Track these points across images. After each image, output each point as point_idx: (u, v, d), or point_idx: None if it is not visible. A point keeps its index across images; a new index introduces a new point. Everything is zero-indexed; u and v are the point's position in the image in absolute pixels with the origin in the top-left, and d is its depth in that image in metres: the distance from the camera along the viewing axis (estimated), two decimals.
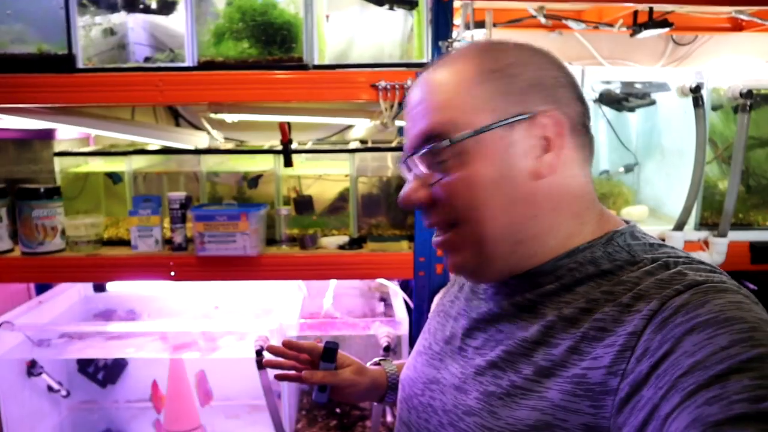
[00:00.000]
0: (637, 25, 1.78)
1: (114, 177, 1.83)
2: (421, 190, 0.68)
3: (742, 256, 1.69)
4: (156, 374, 1.85)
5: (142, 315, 2.00)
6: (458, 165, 0.65)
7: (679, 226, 1.67)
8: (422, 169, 0.68)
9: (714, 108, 1.70)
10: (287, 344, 0.96)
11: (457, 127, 0.65)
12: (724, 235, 1.66)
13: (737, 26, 2.05)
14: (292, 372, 0.96)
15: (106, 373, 1.97)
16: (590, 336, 0.59)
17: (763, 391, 0.43)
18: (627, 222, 0.71)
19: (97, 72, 1.54)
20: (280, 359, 0.97)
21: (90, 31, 1.59)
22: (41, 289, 1.99)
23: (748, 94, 1.57)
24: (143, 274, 1.63)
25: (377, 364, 1.04)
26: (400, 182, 1.74)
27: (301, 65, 1.54)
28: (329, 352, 0.94)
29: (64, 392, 1.84)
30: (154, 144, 1.83)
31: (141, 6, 1.64)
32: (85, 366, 1.94)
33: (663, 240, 1.65)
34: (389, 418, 1.70)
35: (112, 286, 2.06)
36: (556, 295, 0.65)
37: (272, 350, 0.96)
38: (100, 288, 2.05)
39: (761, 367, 0.45)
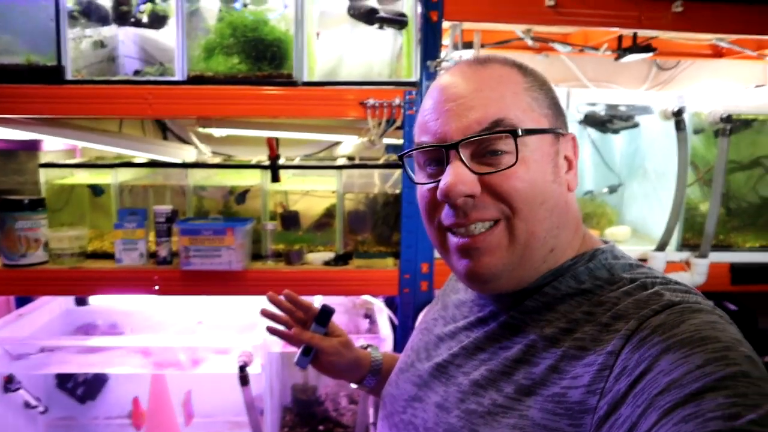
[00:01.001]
0: (621, 50, 1.82)
1: (95, 189, 1.82)
2: (469, 180, 0.64)
3: (723, 277, 1.71)
4: (137, 390, 1.82)
5: (125, 329, 1.98)
6: (518, 158, 0.63)
7: (661, 247, 1.69)
8: (468, 159, 0.64)
9: (695, 131, 1.74)
10: (287, 296, 0.95)
11: (521, 122, 0.64)
12: (705, 256, 1.68)
13: (718, 53, 2.10)
14: (283, 328, 0.95)
15: (85, 388, 1.94)
16: (570, 355, 0.60)
17: (736, 409, 0.45)
18: (606, 242, 0.72)
19: (86, 84, 1.54)
20: (275, 311, 0.95)
21: (80, 43, 1.60)
22: (22, 302, 1.96)
23: (728, 118, 1.61)
24: (127, 288, 1.62)
25: (364, 349, 1.03)
26: (387, 199, 1.75)
27: (290, 82, 1.55)
28: (324, 315, 0.93)
29: (41, 408, 1.81)
30: (141, 157, 1.83)
31: (132, 19, 1.65)
32: (64, 381, 1.91)
33: (645, 260, 1.67)
34: None
35: (94, 300, 2.04)
36: (537, 314, 0.66)
37: (272, 300, 0.95)
38: (81, 301, 2.03)
39: (735, 386, 0.47)
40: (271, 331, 0.95)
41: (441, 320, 0.81)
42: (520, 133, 0.63)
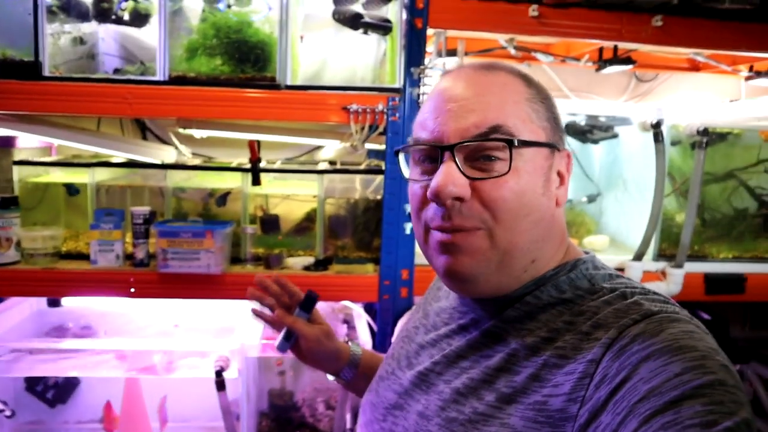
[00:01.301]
0: (602, 61, 1.85)
1: (71, 188, 1.78)
2: (460, 182, 0.64)
3: (697, 287, 1.74)
4: (110, 394, 1.78)
5: (99, 331, 1.93)
6: (510, 167, 0.63)
7: (639, 257, 1.72)
8: (462, 161, 0.65)
9: (673, 143, 1.77)
10: (275, 280, 0.96)
11: (519, 131, 0.65)
12: (680, 266, 1.71)
13: (695, 66, 2.15)
14: (268, 312, 0.96)
15: (56, 392, 1.89)
16: (551, 363, 0.60)
17: (713, 416, 0.46)
18: (587, 253, 0.73)
19: (64, 81, 1.51)
20: (262, 293, 0.96)
21: (59, 39, 1.57)
22: None
23: (705, 132, 1.65)
24: (102, 290, 1.58)
25: (345, 342, 1.03)
26: (368, 205, 1.75)
27: (273, 84, 1.54)
28: (309, 300, 0.95)
29: (8, 412, 1.75)
30: (119, 156, 1.80)
31: (113, 17, 1.63)
32: (34, 384, 1.86)
33: (622, 270, 1.69)
34: None
35: (67, 301, 1.99)
36: (519, 323, 0.66)
37: (260, 282, 0.95)
38: (54, 303, 1.98)
39: (711, 393, 0.48)
40: (256, 313, 0.96)
41: (422, 328, 0.81)
42: (516, 144, 0.63)
